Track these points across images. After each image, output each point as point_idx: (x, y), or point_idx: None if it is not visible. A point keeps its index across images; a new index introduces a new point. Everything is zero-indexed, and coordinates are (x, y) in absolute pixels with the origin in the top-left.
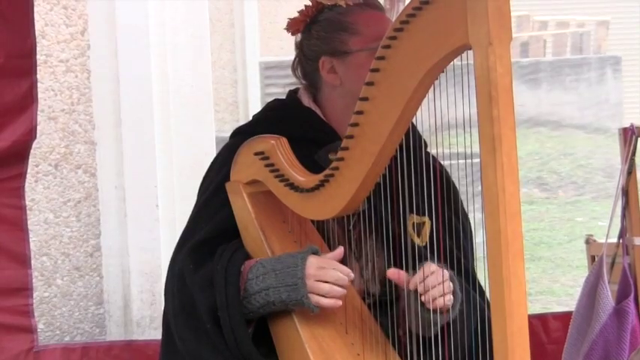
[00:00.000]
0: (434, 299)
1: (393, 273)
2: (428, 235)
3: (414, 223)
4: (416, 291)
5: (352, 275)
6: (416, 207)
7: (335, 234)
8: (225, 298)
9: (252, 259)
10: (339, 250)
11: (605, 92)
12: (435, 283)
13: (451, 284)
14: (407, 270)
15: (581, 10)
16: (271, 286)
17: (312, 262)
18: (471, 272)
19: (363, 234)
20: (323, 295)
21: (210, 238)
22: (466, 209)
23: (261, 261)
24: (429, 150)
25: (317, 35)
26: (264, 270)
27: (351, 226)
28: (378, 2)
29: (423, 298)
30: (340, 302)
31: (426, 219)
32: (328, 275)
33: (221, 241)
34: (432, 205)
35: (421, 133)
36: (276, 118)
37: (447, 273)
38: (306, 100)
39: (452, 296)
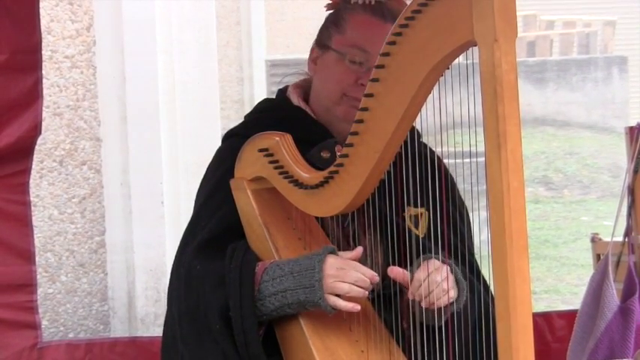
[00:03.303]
0: (436, 299)
1: (395, 272)
2: (426, 226)
3: (411, 216)
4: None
5: (377, 278)
6: (412, 199)
7: (332, 231)
8: (239, 298)
9: (265, 261)
10: (358, 250)
11: (612, 92)
12: (434, 285)
13: (453, 278)
14: (407, 263)
15: (588, 10)
16: (289, 288)
17: (332, 262)
18: (468, 258)
19: (360, 229)
20: (341, 296)
21: (213, 237)
22: (472, 208)
23: (278, 263)
24: (423, 141)
25: (324, 20)
26: (281, 272)
27: (347, 223)
28: (386, 11)
29: (425, 301)
30: (359, 307)
31: (423, 210)
32: (348, 276)
33: (225, 239)
34: (428, 195)
35: (427, 131)
36: (266, 119)
37: (447, 269)
38: (295, 99)
39: (455, 290)
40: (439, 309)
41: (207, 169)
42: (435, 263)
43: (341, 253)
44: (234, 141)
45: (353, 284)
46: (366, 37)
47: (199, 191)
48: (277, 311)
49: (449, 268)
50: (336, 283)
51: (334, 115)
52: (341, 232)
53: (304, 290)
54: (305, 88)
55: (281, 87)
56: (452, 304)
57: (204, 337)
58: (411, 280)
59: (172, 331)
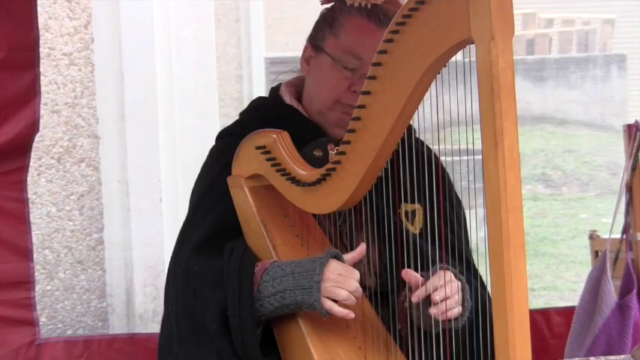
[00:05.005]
0: (440, 312)
1: (409, 276)
2: (421, 222)
3: (406, 212)
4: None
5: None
6: (409, 195)
7: (328, 228)
8: (239, 299)
9: (265, 261)
10: (361, 249)
11: (610, 90)
12: (440, 299)
13: (460, 294)
14: (403, 260)
15: (587, 8)
16: (288, 288)
17: (334, 267)
18: (465, 255)
19: (355, 227)
20: (337, 301)
21: (209, 236)
22: (469, 205)
23: (279, 263)
24: (420, 138)
25: (319, 17)
26: (282, 272)
27: (341, 221)
28: (382, 15)
29: (430, 311)
30: (353, 314)
31: (418, 206)
32: (348, 283)
33: (221, 238)
34: (424, 192)
35: (424, 129)
36: (260, 118)
37: (458, 284)
38: (288, 98)
39: (460, 307)
40: (436, 323)
41: (202, 168)
42: (451, 276)
43: (345, 256)
44: (228, 140)
45: (351, 293)
46: (360, 44)
47: (193, 191)
48: (276, 312)
49: (460, 285)
50: (334, 289)
51: (326, 119)
52: (337, 229)
53: (302, 291)
54: (298, 86)
55: (274, 85)
56: (451, 320)
57: (201, 337)
58: (423, 283)
59: (168, 332)
